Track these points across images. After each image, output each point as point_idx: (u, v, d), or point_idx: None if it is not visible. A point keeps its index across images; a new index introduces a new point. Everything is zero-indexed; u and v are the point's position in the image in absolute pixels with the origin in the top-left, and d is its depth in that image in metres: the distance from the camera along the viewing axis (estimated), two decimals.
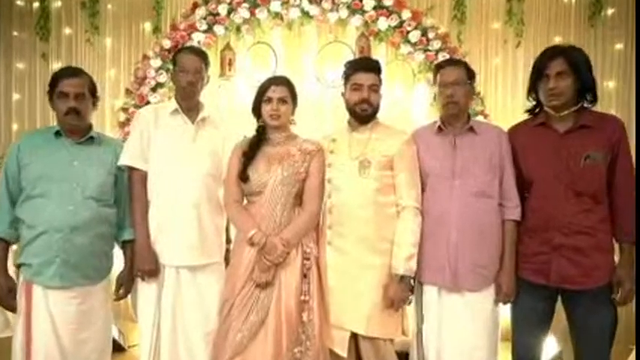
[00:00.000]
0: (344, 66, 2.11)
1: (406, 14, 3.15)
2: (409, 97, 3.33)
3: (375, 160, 1.96)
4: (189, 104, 2.14)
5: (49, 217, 1.85)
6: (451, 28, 3.41)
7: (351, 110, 2.03)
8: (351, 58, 3.29)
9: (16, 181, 1.92)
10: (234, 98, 3.43)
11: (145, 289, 2.07)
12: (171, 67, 3.21)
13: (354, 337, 1.97)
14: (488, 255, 1.93)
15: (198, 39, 3.27)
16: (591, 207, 1.82)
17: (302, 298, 1.95)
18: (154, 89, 3.30)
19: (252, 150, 2.06)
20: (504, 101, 3.48)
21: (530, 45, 3.45)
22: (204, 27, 3.26)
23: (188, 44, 3.26)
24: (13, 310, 1.91)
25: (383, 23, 3.16)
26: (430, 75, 3.14)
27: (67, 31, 3.84)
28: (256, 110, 2.09)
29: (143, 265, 2.01)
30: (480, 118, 3.15)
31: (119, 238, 2.08)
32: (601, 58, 3.40)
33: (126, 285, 2.08)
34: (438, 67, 2.05)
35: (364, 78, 1.98)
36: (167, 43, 3.29)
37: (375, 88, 2.01)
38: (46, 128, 2.10)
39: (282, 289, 1.95)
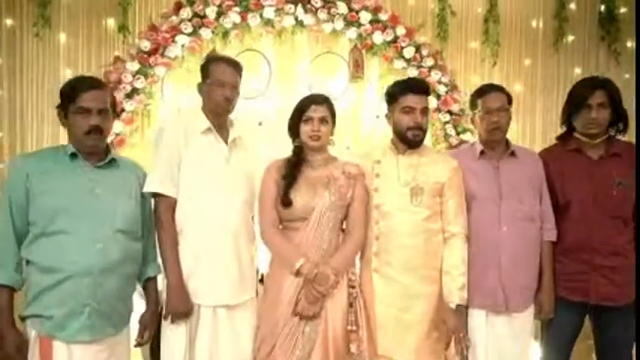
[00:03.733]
0: (391, 86, 2.04)
1: (401, 30, 3.16)
2: None
3: (427, 187, 1.92)
4: (221, 121, 1.94)
5: (76, 259, 1.55)
6: (434, 46, 3.49)
7: (401, 134, 1.96)
8: (345, 69, 3.27)
9: (24, 215, 1.59)
10: None
11: (173, 333, 1.82)
12: (150, 71, 2.95)
13: None
14: (532, 275, 2.01)
15: (182, 42, 2.98)
16: (622, 229, 1.98)
17: (349, 328, 1.87)
18: (129, 95, 2.95)
19: (292, 173, 1.92)
20: None
21: (505, 65, 3.66)
22: (190, 30, 2.98)
23: (171, 47, 2.97)
24: None
25: (378, 37, 3.14)
26: None
27: (9, 21, 3.29)
28: (294, 130, 1.96)
29: (178, 307, 1.78)
30: (468, 134, 3.28)
31: (142, 276, 1.82)
32: (563, 81, 3.71)
33: (151, 328, 1.83)
34: (481, 93, 2.07)
35: (416, 100, 1.92)
36: (146, 45, 2.95)
37: (426, 111, 1.97)
38: (54, 148, 1.76)
39: (328, 319, 1.85)
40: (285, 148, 3.08)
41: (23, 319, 1.61)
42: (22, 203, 1.59)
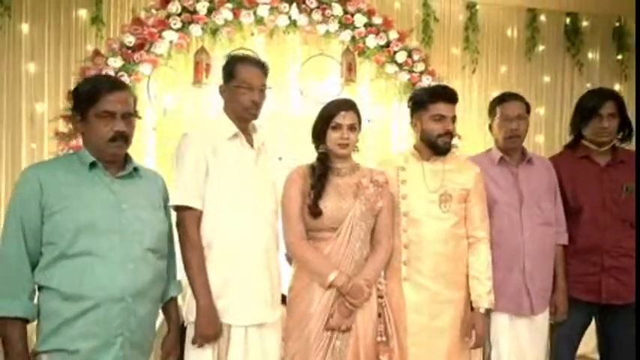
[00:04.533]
0: (419, 93, 2.01)
1: (393, 34, 3.16)
2: (389, 115, 3.36)
3: (455, 194, 1.91)
4: (245, 126, 1.81)
5: (105, 283, 1.36)
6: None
7: (431, 142, 1.93)
8: (337, 72, 3.22)
9: (38, 234, 1.37)
10: (207, 110, 3.02)
11: (199, 356, 1.67)
12: (135, 68, 2.73)
13: None
14: (549, 278, 2.06)
15: (170, 38, 2.78)
16: (630, 232, 2.09)
17: (378, 339, 1.82)
18: None
19: (320, 181, 1.84)
20: (462, 123, 3.73)
21: (484, 72, 3.79)
22: (179, 25, 2.78)
23: (158, 43, 2.75)
24: None
25: (372, 41, 3.12)
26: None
27: None
28: (320, 136, 1.88)
29: (209, 331, 1.62)
30: (455, 139, 3.34)
31: (165, 297, 1.64)
32: (534, 88, 3.90)
33: (175, 354, 1.66)
34: (500, 100, 2.11)
35: (447, 109, 1.91)
36: (130, 40, 2.71)
37: (455, 119, 1.96)
38: (66, 157, 1.54)
39: (359, 331, 1.79)
40: (276, 151, 3.02)
41: (36, 354, 1.39)
42: (37, 221, 1.37)
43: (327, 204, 1.79)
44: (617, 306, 2.08)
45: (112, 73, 2.68)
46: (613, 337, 2.14)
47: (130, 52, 2.71)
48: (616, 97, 2.11)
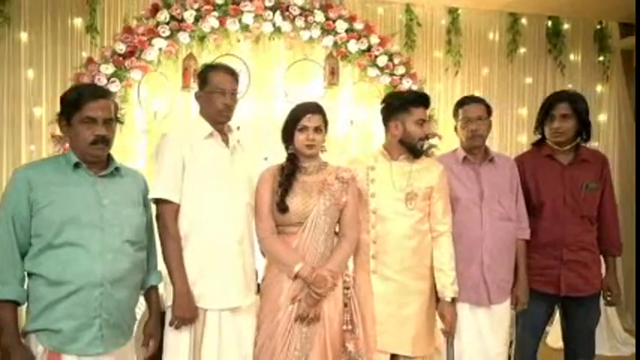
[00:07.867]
0: (399, 97, 2.13)
1: (374, 39, 3.29)
2: (370, 116, 3.48)
3: (421, 192, 2.04)
4: (220, 127, 1.96)
5: (85, 270, 1.52)
6: (402, 55, 3.66)
7: (412, 144, 2.05)
8: (320, 76, 3.36)
9: (27, 227, 1.54)
10: (194, 113, 3.16)
11: (177, 339, 1.83)
12: (126, 74, 2.88)
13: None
14: (509, 270, 2.19)
15: (159, 46, 2.93)
16: (589, 228, 2.21)
17: (344, 327, 1.96)
18: None
19: (288, 179, 1.98)
20: (444, 124, 3.85)
21: (466, 74, 3.90)
22: (168, 33, 2.93)
23: (148, 50, 2.90)
24: None
25: (353, 46, 3.25)
26: None
27: None
28: (288, 137, 2.02)
29: (185, 313, 1.78)
30: (436, 139, 3.46)
31: (145, 285, 1.80)
32: (516, 89, 4.01)
33: (156, 337, 1.81)
34: (462, 103, 2.23)
35: (425, 114, 2.06)
36: (121, 48, 2.87)
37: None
38: (54, 158, 1.71)
39: (325, 320, 1.92)
40: (262, 152, 3.16)
41: (25, 333, 1.55)
42: (26, 215, 1.54)
43: (294, 200, 1.93)
44: (578, 298, 2.20)
45: (104, 79, 2.84)
46: (574, 326, 2.26)
47: (121, 59, 2.87)
48: (572, 99, 2.21)
